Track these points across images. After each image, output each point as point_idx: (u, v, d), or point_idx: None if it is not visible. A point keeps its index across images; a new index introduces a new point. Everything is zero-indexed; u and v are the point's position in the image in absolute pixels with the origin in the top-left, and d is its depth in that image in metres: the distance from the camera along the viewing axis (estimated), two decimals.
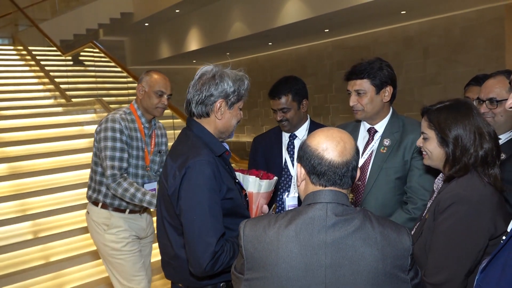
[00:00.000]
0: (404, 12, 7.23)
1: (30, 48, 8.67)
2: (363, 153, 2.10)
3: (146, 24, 10.86)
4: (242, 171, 1.96)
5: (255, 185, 1.92)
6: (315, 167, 1.19)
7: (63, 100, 6.83)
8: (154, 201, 2.37)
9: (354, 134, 2.15)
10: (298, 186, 1.28)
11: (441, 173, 1.66)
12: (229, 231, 1.66)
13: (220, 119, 1.71)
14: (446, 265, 1.38)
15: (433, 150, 1.54)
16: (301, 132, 2.50)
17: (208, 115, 1.71)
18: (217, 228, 1.54)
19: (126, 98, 6.50)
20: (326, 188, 1.20)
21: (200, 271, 1.52)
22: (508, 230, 1.12)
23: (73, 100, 6.78)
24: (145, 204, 2.40)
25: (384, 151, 2.04)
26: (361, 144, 2.14)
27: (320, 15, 7.26)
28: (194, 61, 12.24)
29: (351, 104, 2.06)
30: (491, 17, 6.98)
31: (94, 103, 6.34)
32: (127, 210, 2.55)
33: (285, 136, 2.53)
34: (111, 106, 6.18)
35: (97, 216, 2.55)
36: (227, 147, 1.88)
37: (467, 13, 7.29)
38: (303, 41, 9.97)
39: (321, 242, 1.13)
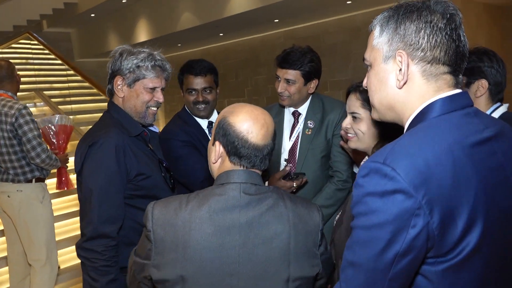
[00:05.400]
0: (350, 2, 7.34)
1: None
2: (290, 135, 2.17)
3: (92, 15, 10.44)
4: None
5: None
6: (238, 149, 1.17)
7: None
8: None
9: (279, 117, 2.21)
10: (213, 163, 1.24)
11: (366, 157, 1.65)
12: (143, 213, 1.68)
13: (122, 97, 1.68)
14: None
15: (366, 131, 1.48)
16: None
17: (113, 93, 1.70)
18: (110, 213, 1.56)
19: (67, 92, 6.24)
20: (240, 168, 1.18)
21: (78, 242, 1.57)
22: None
23: None
24: (57, 162, 2.99)
25: (309, 132, 2.13)
26: (287, 127, 2.20)
27: (267, 4, 7.25)
28: None
29: (280, 90, 2.10)
30: None
31: (34, 97, 6.06)
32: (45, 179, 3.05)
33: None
34: (53, 100, 5.93)
35: (32, 191, 2.89)
36: (157, 130, 1.87)
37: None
38: (255, 31, 9.93)
39: (234, 221, 1.13)
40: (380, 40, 0.97)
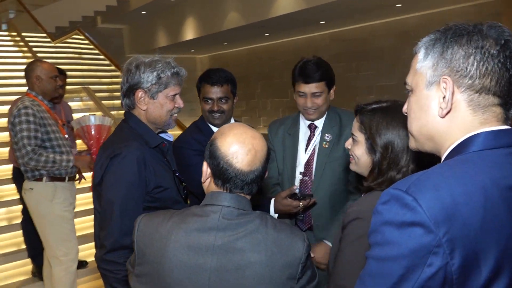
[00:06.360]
0: (400, 5, 7.06)
1: (23, 34, 8.63)
2: (306, 148, 2.13)
3: (143, 12, 10.75)
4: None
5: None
6: (222, 173, 1.15)
7: None
8: (71, 157, 2.94)
9: (295, 129, 2.16)
10: (203, 183, 1.24)
11: None
12: None
13: (145, 110, 1.68)
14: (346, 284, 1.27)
15: (361, 156, 1.36)
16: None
17: (134, 106, 1.70)
18: (131, 225, 1.54)
19: (111, 87, 6.45)
20: (227, 191, 1.16)
21: (98, 255, 1.56)
22: None
23: None
24: (64, 163, 2.86)
25: (327, 146, 2.08)
26: (303, 140, 2.15)
27: (313, 6, 7.13)
28: (193, 50, 12.15)
29: (309, 105, 2.05)
30: (488, 12, 6.79)
31: (80, 91, 6.31)
32: (66, 178, 2.99)
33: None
34: (96, 94, 6.15)
35: (42, 190, 2.89)
36: (171, 138, 1.86)
37: (465, 8, 7.11)
38: (300, 32, 9.82)
39: (209, 244, 1.10)
40: (424, 64, 0.89)
